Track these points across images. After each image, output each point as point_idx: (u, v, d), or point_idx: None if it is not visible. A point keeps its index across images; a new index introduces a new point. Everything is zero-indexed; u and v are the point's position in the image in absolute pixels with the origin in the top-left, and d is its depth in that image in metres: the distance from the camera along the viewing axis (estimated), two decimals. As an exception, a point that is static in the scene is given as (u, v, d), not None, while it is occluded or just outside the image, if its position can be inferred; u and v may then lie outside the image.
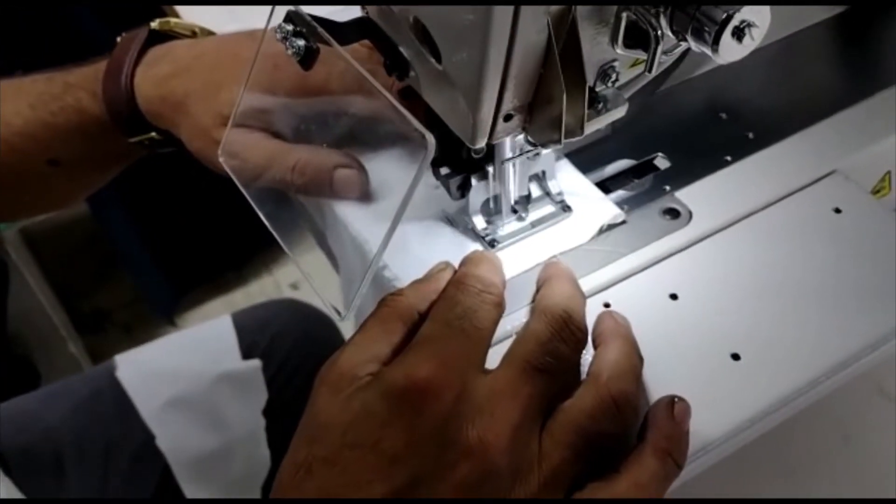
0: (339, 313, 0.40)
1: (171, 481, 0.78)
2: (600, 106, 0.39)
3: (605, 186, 0.49)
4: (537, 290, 0.41)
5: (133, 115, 0.54)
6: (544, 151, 0.43)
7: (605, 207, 0.46)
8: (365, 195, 0.48)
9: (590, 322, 0.40)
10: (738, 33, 0.32)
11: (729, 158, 0.49)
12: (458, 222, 0.47)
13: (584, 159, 0.50)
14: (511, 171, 0.44)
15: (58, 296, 1.56)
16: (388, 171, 0.48)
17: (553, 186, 0.47)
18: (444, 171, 0.43)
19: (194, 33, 0.58)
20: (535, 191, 0.47)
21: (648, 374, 0.40)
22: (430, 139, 0.34)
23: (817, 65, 0.57)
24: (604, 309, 0.43)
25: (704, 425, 0.38)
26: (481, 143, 0.38)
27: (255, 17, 0.53)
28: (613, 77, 0.38)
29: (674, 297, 0.43)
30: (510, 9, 0.32)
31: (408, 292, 0.38)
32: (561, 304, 0.38)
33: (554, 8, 0.33)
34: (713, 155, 0.50)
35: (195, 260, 1.66)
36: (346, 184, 0.47)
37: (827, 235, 0.46)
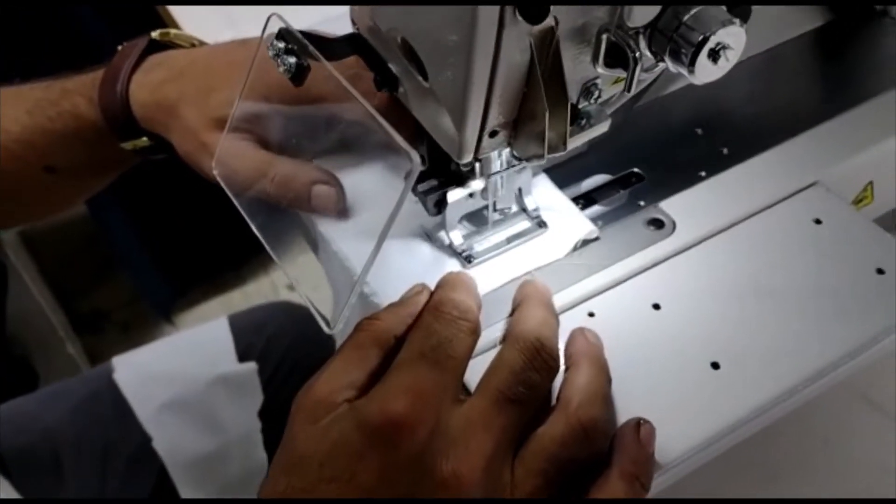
0: (327, 324, 0.41)
1: (167, 483, 0.79)
2: (583, 122, 0.40)
3: (593, 198, 0.50)
4: (513, 311, 0.42)
5: (128, 121, 0.55)
6: (529, 165, 0.44)
7: (580, 223, 0.47)
8: (342, 211, 0.48)
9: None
10: (714, 55, 0.33)
11: (703, 174, 0.50)
12: (435, 237, 0.47)
13: (561, 175, 0.50)
14: (498, 184, 0.45)
15: (56, 296, 1.57)
16: (374, 183, 0.49)
17: (529, 202, 0.47)
18: (421, 187, 0.44)
19: (193, 45, 0.59)
20: (513, 207, 0.48)
21: (629, 382, 0.41)
22: (416, 158, 0.35)
23: (796, 79, 0.57)
24: (588, 318, 0.44)
25: (684, 432, 0.39)
26: (467, 158, 0.39)
27: (250, 17, 0.54)
28: (596, 94, 0.39)
29: (656, 306, 0.44)
30: (494, 30, 0.33)
31: (384, 316, 0.39)
32: (534, 331, 0.38)
33: (536, 28, 0.34)
34: (687, 170, 0.50)
35: (193, 260, 1.67)
36: (322, 200, 0.48)
37: (807, 246, 0.47)
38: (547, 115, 0.36)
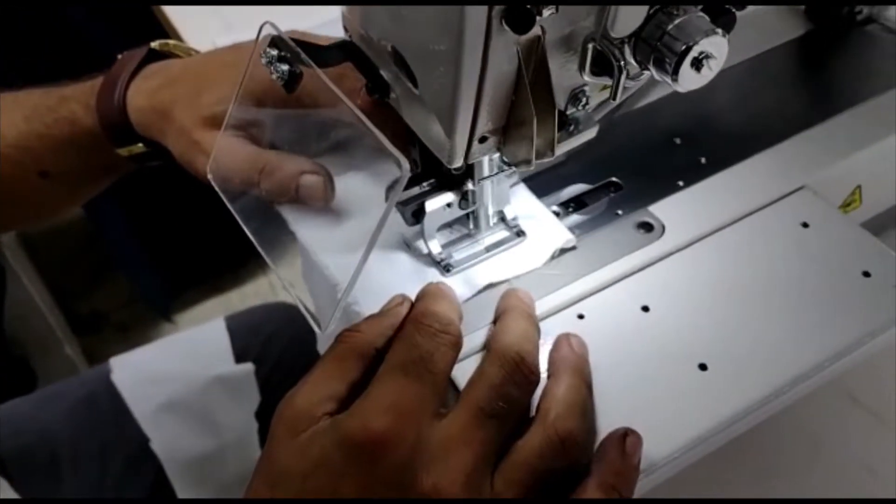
0: (318, 326, 0.42)
1: (165, 483, 0.80)
2: (571, 128, 0.40)
3: (584, 202, 0.51)
4: (496, 319, 0.43)
5: (124, 127, 0.56)
6: (518, 171, 0.45)
7: (558, 232, 0.48)
8: (329, 204, 0.48)
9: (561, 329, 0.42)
10: (697, 64, 0.34)
11: (681, 183, 0.51)
12: (414, 246, 0.48)
13: (540, 184, 0.51)
14: (489, 188, 0.45)
15: (54, 297, 1.57)
16: (363, 188, 0.49)
17: (508, 212, 0.48)
18: (400, 196, 0.44)
19: (190, 55, 0.60)
20: (503, 209, 0.48)
21: (618, 383, 0.42)
22: (406, 165, 0.35)
23: (777, 88, 0.58)
24: (577, 320, 0.45)
25: (671, 433, 0.40)
26: (458, 163, 0.40)
27: (245, 19, 0.55)
28: (584, 101, 0.40)
29: (645, 309, 0.45)
30: (481, 39, 0.34)
31: (364, 328, 0.39)
32: (514, 345, 0.39)
33: (523, 38, 0.35)
34: (665, 180, 0.51)
35: (191, 261, 1.68)
36: (310, 190, 0.48)
37: (794, 249, 0.47)
38: (535, 121, 0.37)
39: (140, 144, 0.57)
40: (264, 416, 0.85)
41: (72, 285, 1.73)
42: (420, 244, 0.47)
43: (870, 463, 0.52)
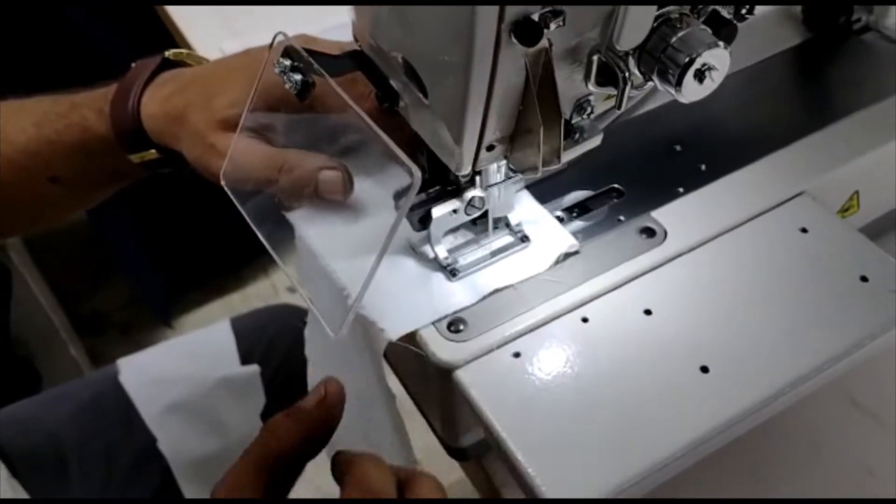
0: (330, 329, 0.43)
1: (171, 483, 0.81)
2: (577, 136, 0.41)
3: (586, 208, 0.52)
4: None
5: (137, 133, 0.57)
6: (524, 178, 0.46)
7: (561, 238, 0.49)
8: (347, 198, 0.49)
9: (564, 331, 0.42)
10: (700, 75, 0.35)
11: (681, 190, 0.52)
12: (420, 251, 0.49)
13: (543, 190, 0.52)
14: (496, 195, 0.46)
15: (58, 299, 1.58)
16: (374, 195, 0.50)
17: (513, 217, 0.49)
18: None
19: (202, 64, 0.61)
20: (509, 215, 0.49)
21: (621, 384, 0.43)
22: (417, 173, 0.36)
23: (776, 95, 0.59)
24: (581, 323, 0.46)
25: (674, 434, 0.41)
26: (466, 171, 0.41)
27: (248, 20, 0.56)
28: (589, 110, 0.41)
29: (648, 312, 0.46)
30: (490, 52, 0.35)
31: (279, 437, 0.39)
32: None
33: (531, 50, 0.36)
34: (666, 186, 0.52)
35: (193, 264, 1.68)
36: (330, 185, 0.49)
37: (794, 253, 0.48)
38: (541, 130, 0.38)
39: (153, 151, 0.57)
40: (269, 417, 0.85)
41: (75, 287, 1.74)
42: (426, 249, 0.48)
43: (869, 464, 0.53)
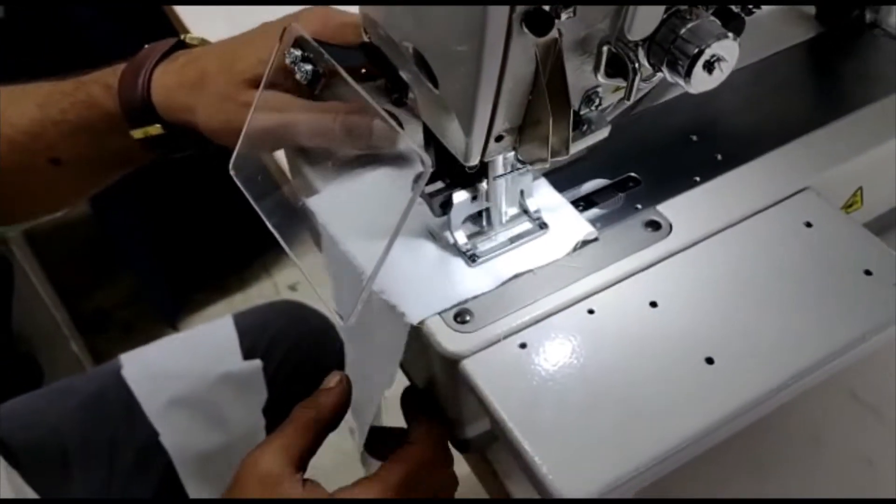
0: (341, 318, 0.43)
1: (174, 477, 0.81)
2: (585, 128, 0.42)
3: (592, 201, 0.52)
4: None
5: (145, 107, 0.56)
6: (532, 169, 0.46)
7: (579, 225, 0.49)
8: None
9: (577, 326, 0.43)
10: (709, 66, 0.35)
11: (698, 179, 0.52)
12: (440, 237, 0.49)
13: (560, 178, 0.52)
14: (503, 186, 0.47)
15: (60, 295, 1.58)
16: (386, 184, 0.51)
17: (531, 204, 0.49)
18: (427, 189, 0.46)
19: None
20: (514, 209, 0.49)
21: (627, 375, 0.43)
22: (428, 162, 0.37)
23: (786, 89, 0.59)
24: (588, 314, 0.46)
25: (678, 425, 0.41)
26: (474, 161, 0.41)
27: (253, 19, 0.56)
28: (597, 101, 0.41)
29: (653, 304, 0.46)
30: (501, 41, 0.35)
31: (316, 405, 0.49)
32: None
33: (541, 40, 0.36)
34: (683, 175, 0.52)
35: (196, 263, 1.69)
36: (383, 134, 0.48)
37: (798, 247, 0.49)
38: (550, 121, 0.38)
39: (157, 126, 0.56)
40: (271, 412, 0.86)
41: (77, 284, 1.74)
42: (446, 234, 0.48)
43: (869, 457, 0.53)
